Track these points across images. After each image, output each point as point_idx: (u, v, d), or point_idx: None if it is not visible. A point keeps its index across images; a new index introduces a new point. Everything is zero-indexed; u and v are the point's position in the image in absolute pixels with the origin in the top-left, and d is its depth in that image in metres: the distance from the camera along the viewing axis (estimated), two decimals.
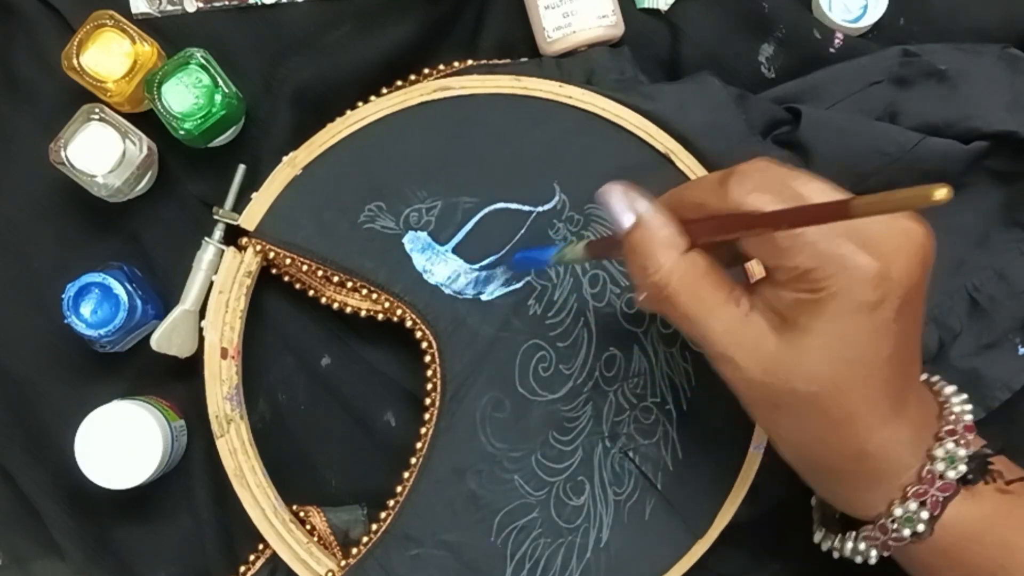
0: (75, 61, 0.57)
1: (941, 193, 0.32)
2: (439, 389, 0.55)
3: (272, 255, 0.56)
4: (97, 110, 0.56)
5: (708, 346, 0.44)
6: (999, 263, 0.58)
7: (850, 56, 0.60)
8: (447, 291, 0.56)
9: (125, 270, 0.58)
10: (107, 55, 0.57)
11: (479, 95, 0.57)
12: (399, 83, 0.59)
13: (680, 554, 0.54)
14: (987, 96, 0.58)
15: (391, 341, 0.59)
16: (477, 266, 0.56)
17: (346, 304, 0.56)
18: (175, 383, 0.60)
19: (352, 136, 0.57)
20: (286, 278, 0.57)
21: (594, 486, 0.54)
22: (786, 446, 0.47)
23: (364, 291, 0.56)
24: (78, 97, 0.58)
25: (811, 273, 0.41)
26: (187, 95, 0.57)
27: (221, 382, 0.55)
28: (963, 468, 0.44)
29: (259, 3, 0.61)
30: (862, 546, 0.47)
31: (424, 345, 0.55)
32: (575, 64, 0.59)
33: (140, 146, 0.57)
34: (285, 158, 0.57)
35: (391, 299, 0.56)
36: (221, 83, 0.56)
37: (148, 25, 0.60)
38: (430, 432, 0.55)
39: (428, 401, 0.55)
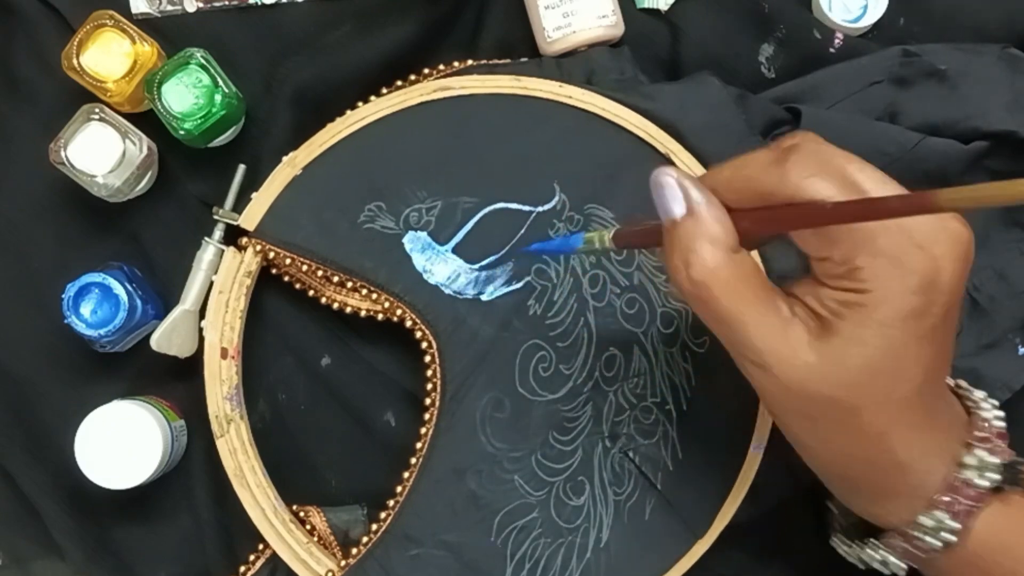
0: (75, 61, 0.57)
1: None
2: (439, 389, 0.55)
3: (272, 255, 0.56)
4: (97, 110, 0.56)
5: (743, 352, 0.42)
6: (999, 263, 0.58)
7: (850, 56, 0.60)
8: (447, 291, 0.56)
9: (125, 270, 0.58)
10: (107, 55, 0.57)
11: (479, 95, 0.57)
12: (399, 83, 0.59)
13: (680, 554, 0.54)
14: (987, 96, 0.58)
15: (391, 341, 0.59)
16: (477, 266, 0.56)
17: (346, 304, 0.56)
18: (175, 383, 0.60)
19: (352, 136, 0.57)
20: (286, 278, 0.57)
21: (594, 486, 0.54)
22: (812, 455, 0.45)
23: (364, 291, 0.56)
24: (78, 97, 0.58)
25: (861, 272, 0.39)
26: (187, 95, 0.57)
27: (221, 382, 0.55)
28: (996, 477, 0.43)
29: (259, 3, 0.61)
30: (882, 554, 0.45)
31: (424, 345, 0.55)
32: (575, 64, 0.59)
33: (140, 146, 0.57)
34: (285, 158, 0.57)
35: (391, 299, 0.56)
36: (221, 83, 0.56)
37: (148, 25, 0.60)
38: (430, 432, 0.55)
39: (428, 401, 0.55)
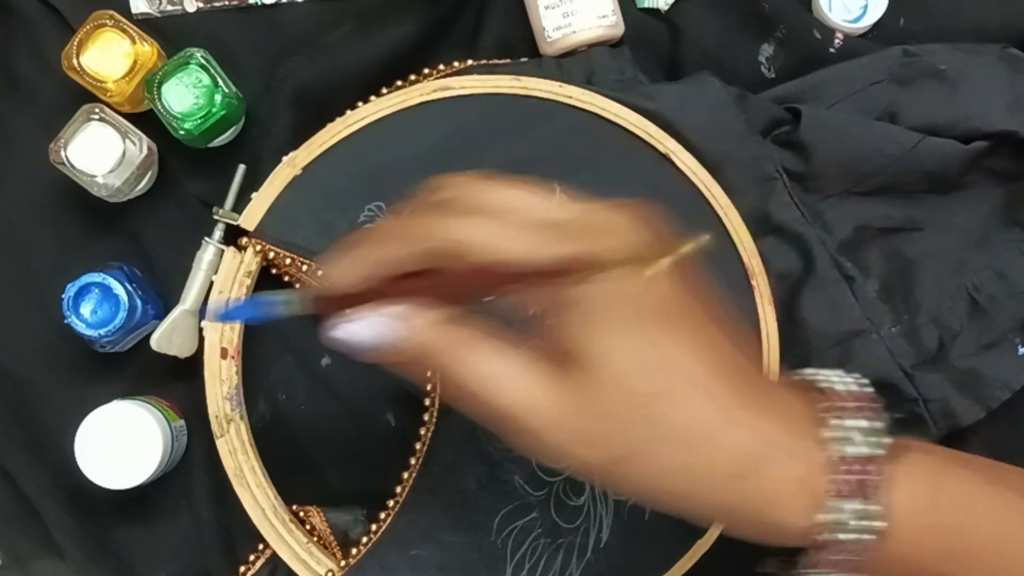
0: (75, 61, 0.57)
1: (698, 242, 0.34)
2: (439, 389, 0.55)
3: (272, 255, 0.56)
4: (97, 110, 0.56)
5: (506, 429, 0.38)
6: (999, 263, 0.58)
7: (850, 56, 0.60)
8: None
9: (125, 270, 0.58)
10: (107, 55, 0.57)
11: (479, 95, 0.57)
12: (399, 83, 0.59)
13: (680, 554, 0.54)
14: (987, 96, 0.58)
15: None
16: None
17: None
18: (175, 383, 0.60)
19: (352, 136, 0.57)
20: (286, 278, 0.57)
21: (594, 486, 0.54)
22: (657, 495, 0.39)
23: None
24: (78, 97, 0.58)
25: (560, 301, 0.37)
26: (187, 95, 0.57)
27: (221, 382, 0.55)
28: (880, 440, 0.38)
29: (259, 3, 0.61)
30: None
31: None
32: (575, 64, 0.59)
33: (140, 146, 0.57)
34: (285, 158, 0.57)
35: None
36: (221, 83, 0.56)
37: (148, 25, 0.60)
38: (430, 432, 0.55)
39: (428, 401, 0.55)
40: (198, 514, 0.59)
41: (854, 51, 0.61)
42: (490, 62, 0.60)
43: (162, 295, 0.60)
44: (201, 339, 0.57)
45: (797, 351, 0.57)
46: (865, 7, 0.62)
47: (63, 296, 0.56)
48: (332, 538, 0.56)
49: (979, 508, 0.40)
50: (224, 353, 0.56)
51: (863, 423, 0.38)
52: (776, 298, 0.56)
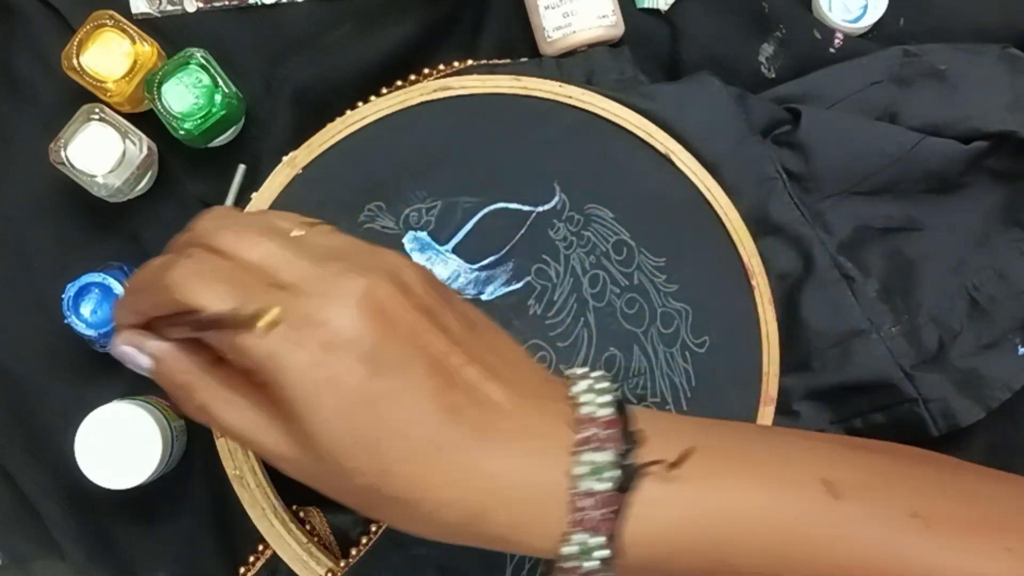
0: (75, 61, 0.57)
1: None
2: None
3: None
4: (97, 110, 0.56)
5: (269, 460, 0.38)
6: (999, 263, 0.58)
7: (850, 56, 0.60)
8: None
9: (125, 270, 0.58)
10: (107, 55, 0.57)
11: (479, 95, 0.57)
12: (399, 83, 0.59)
13: None
14: (987, 96, 0.58)
15: None
16: (477, 266, 0.56)
17: None
18: None
19: (352, 136, 0.57)
20: None
21: None
22: (420, 530, 0.39)
23: None
24: (78, 97, 0.58)
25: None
26: (187, 95, 0.57)
27: None
28: (614, 475, 0.37)
29: (259, 3, 0.61)
30: None
31: None
32: (575, 64, 0.59)
33: (140, 146, 0.57)
34: (285, 158, 0.57)
35: None
36: (221, 83, 0.56)
37: (148, 25, 0.60)
38: None
39: None
40: (198, 514, 0.59)
41: (854, 51, 0.61)
42: (490, 62, 0.60)
43: None
44: None
45: (797, 351, 0.57)
46: (865, 7, 0.62)
47: (63, 296, 0.56)
48: (332, 538, 0.56)
49: (738, 522, 0.38)
50: None
51: (607, 456, 0.37)
52: (776, 298, 0.56)
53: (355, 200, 0.56)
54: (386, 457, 0.36)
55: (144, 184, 0.60)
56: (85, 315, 0.56)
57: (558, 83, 0.57)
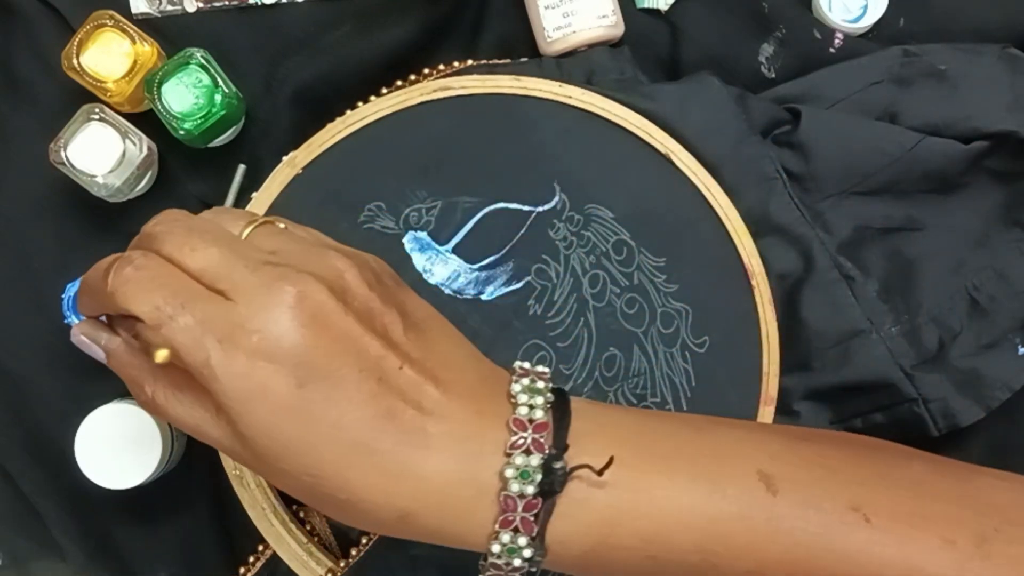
0: (75, 61, 0.57)
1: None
2: None
3: None
4: (97, 110, 0.56)
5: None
6: (999, 263, 0.58)
7: (850, 56, 0.60)
8: (447, 291, 0.56)
9: None
10: (107, 55, 0.57)
11: (479, 95, 0.57)
12: (399, 83, 0.59)
13: None
14: (987, 96, 0.58)
15: None
16: (477, 266, 0.56)
17: None
18: None
19: (352, 136, 0.57)
20: None
21: None
22: (357, 525, 0.40)
23: None
24: (78, 97, 0.58)
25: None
26: (187, 95, 0.57)
27: None
28: (542, 478, 0.38)
29: (259, 3, 0.61)
30: None
31: None
32: (575, 64, 0.59)
33: (140, 146, 0.57)
34: (285, 158, 0.57)
35: None
36: (221, 83, 0.56)
37: (148, 25, 0.60)
38: None
39: None
40: (198, 514, 0.59)
41: (854, 51, 0.61)
42: (490, 62, 0.60)
43: None
44: None
45: (797, 351, 0.57)
46: (865, 7, 0.62)
47: (63, 296, 0.56)
48: (332, 538, 0.56)
49: (668, 519, 0.39)
50: None
51: (535, 460, 0.38)
52: (776, 298, 0.56)
53: (355, 200, 0.56)
54: (317, 461, 0.37)
55: (144, 184, 0.60)
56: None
57: (558, 83, 0.57)
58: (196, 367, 0.36)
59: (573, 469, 0.38)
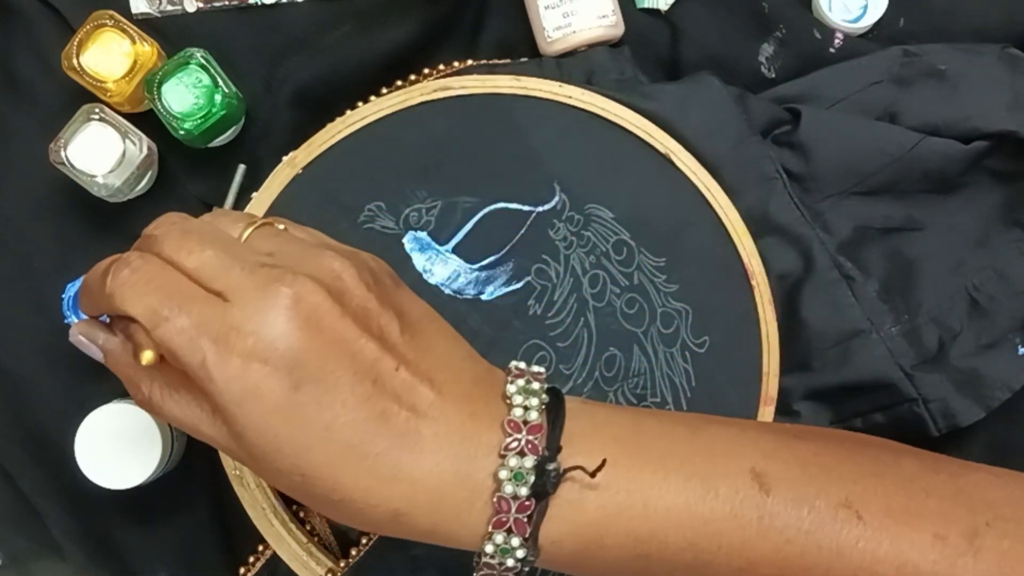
0: (75, 61, 0.57)
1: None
2: None
3: None
4: (97, 110, 0.56)
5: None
6: (999, 263, 0.58)
7: (850, 56, 0.60)
8: (447, 291, 0.56)
9: None
10: (107, 55, 0.57)
11: (479, 95, 0.57)
12: (399, 83, 0.59)
13: None
14: (987, 96, 0.58)
15: None
16: (477, 266, 0.56)
17: None
18: None
19: (352, 136, 0.57)
20: None
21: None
22: (351, 524, 0.40)
23: None
24: (78, 97, 0.58)
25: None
26: (187, 95, 0.57)
27: None
28: (535, 480, 0.38)
29: (259, 3, 0.61)
30: None
31: None
32: (575, 64, 0.59)
33: (140, 146, 0.57)
34: (285, 158, 0.57)
35: None
36: (221, 83, 0.56)
37: (148, 25, 0.60)
38: None
39: None
40: (198, 514, 0.59)
41: (854, 51, 0.61)
42: (490, 62, 0.60)
43: None
44: None
45: (797, 351, 0.57)
46: (865, 7, 0.62)
47: (63, 296, 0.56)
48: (332, 538, 0.56)
49: (661, 518, 0.39)
50: None
51: (529, 462, 0.38)
52: (776, 298, 0.56)
53: (355, 200, 0.56)
54: (310, 462, 0.37)
55: (144, 184, 0.60)
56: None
57: (558, 83, 0.57)
58: (192, 368, 0.36)
59: (566, 471, 0.38)
